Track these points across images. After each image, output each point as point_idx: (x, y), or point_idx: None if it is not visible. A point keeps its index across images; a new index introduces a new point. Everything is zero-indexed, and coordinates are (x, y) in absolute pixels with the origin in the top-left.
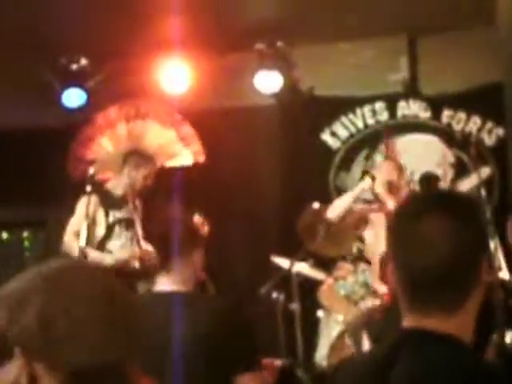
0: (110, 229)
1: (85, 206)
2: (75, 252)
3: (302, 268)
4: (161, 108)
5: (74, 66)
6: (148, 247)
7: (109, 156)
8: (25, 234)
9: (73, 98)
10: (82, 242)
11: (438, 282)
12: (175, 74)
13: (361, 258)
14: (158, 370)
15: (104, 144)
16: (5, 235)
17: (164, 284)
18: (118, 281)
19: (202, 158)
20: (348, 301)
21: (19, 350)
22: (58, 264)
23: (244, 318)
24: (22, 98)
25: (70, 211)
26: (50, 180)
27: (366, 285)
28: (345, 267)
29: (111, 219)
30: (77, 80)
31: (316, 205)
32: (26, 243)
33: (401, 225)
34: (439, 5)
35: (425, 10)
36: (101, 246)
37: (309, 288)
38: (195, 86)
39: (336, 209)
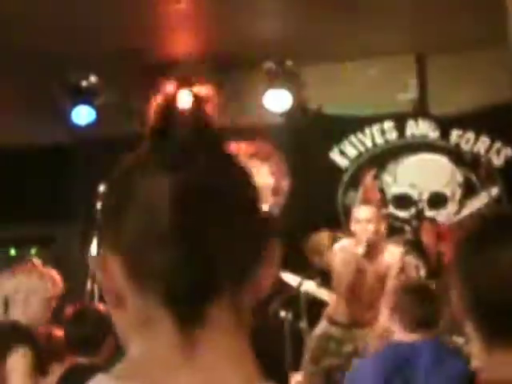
0: None
1: None
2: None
3: (309, 286)
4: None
5: (84, 83)
6: None
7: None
8: (33, 250)
9: (82, 115)
10: None
11: None
12: (184, 92)
13: None
14: None
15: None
16: (13, 251)
17: None
18: None
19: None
20: None
21: None
22: None
23: None
24: (31, 115)
25: (79, 228)
26: (58, 197)
27: None
28: None
29: None
30: (86, 97)
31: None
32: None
33: None
34: (449, 24)
35: (434, 29)
36: None
37: (316, 306)
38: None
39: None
